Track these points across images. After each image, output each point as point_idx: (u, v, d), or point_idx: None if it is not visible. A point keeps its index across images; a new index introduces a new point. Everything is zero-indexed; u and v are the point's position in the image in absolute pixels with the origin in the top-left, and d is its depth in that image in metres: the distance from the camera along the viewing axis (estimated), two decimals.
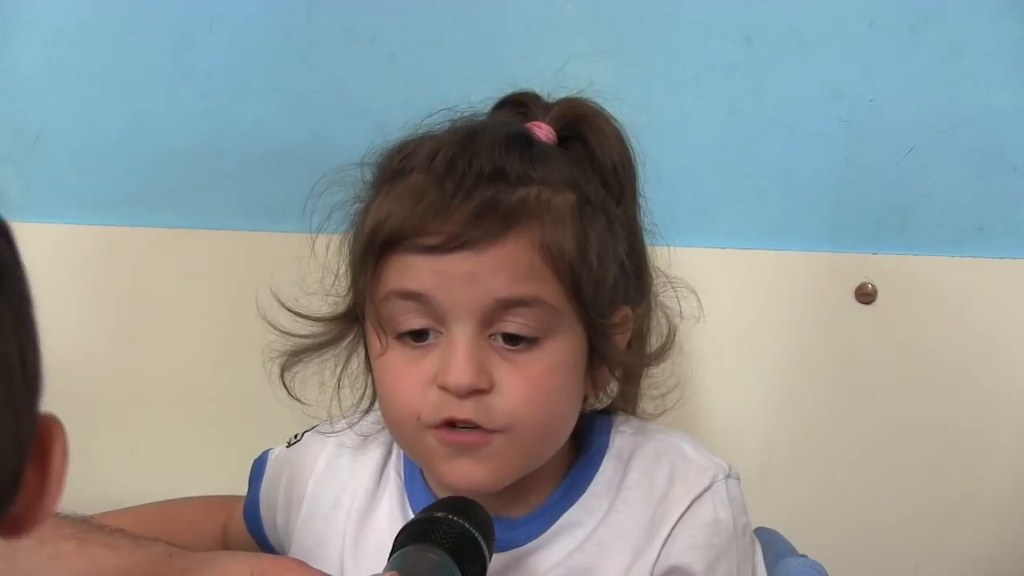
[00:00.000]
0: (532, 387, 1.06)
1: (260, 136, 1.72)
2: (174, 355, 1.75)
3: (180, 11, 1.73)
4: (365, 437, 1.23)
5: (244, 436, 1.71)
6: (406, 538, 1.01)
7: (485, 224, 1.03)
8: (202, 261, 1.73)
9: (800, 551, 1.31)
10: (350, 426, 1.22)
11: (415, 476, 1.20)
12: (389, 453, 1.23)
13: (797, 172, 1.58)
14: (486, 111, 1.19)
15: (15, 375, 0.65)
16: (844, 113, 1.56)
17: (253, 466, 1.32)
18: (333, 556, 1.20)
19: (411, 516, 1.13)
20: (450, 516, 1.02)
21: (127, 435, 1.77)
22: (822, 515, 1.60)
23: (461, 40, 1.65)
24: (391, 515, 1.19)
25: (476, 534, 1.02)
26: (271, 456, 1.31)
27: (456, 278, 1.04)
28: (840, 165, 1.57)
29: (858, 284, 1.55)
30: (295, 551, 1.23)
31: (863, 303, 1.56)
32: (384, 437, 1.23)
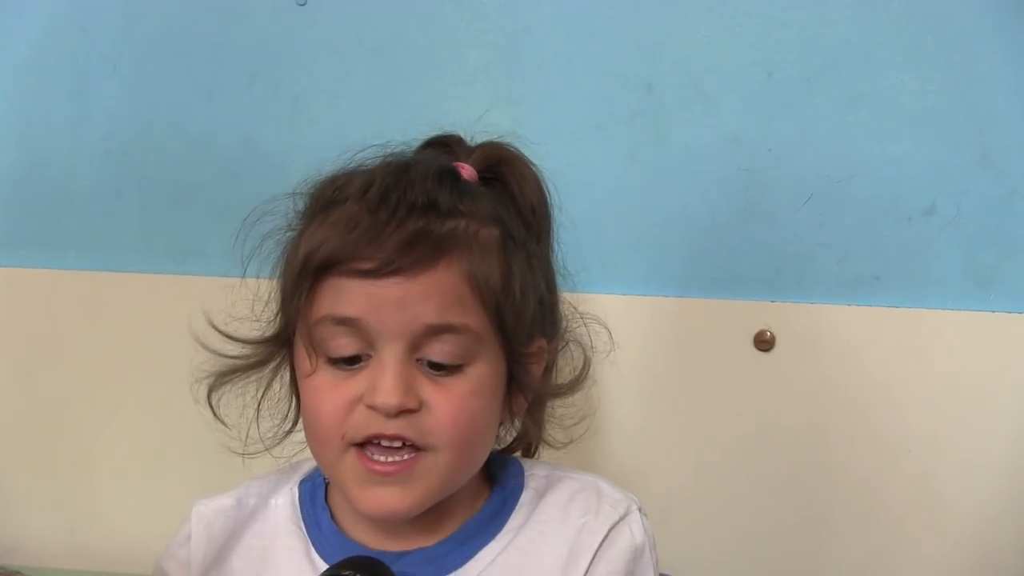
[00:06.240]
0: (458, 407, 1.08)
1: (163, 178, 1.71)
2: (73, 398, 1.73)
3: (83, 52, 1.72)
4: (256, 500, 1.22)
5: (142, 481, 1.71)
6: None
7: (416, 252, 1.06)
8: (103, 303, 1.72)
9: None
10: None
11: (320, 524, 1.19)
12: (290, 506, 1.22)
13: (696, 219, 1.60)
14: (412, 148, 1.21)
15: None
16: (743, 162, 1.59)
17: None
18: None
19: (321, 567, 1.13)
20: (356, 575, 1.02)
21: (23, 477, 1.75)
22: (720, 558, 1.61)
23: (365, 85, 1.66)
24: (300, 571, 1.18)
25: None
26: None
27: (387, 302, 1.06)
28: (739, 213, 1.59)
29: (757, 331, 1.57)
30: None
31: (762, 350, 1.57)
32: (280, 496, 1.22)
